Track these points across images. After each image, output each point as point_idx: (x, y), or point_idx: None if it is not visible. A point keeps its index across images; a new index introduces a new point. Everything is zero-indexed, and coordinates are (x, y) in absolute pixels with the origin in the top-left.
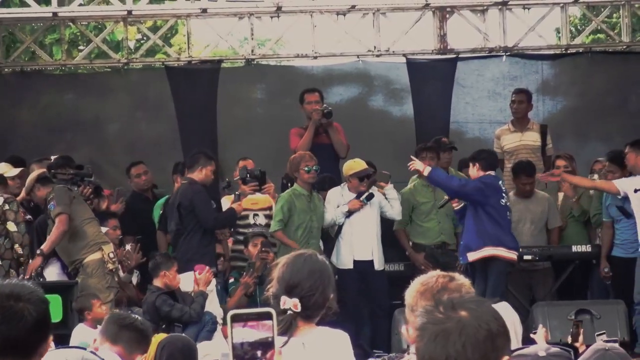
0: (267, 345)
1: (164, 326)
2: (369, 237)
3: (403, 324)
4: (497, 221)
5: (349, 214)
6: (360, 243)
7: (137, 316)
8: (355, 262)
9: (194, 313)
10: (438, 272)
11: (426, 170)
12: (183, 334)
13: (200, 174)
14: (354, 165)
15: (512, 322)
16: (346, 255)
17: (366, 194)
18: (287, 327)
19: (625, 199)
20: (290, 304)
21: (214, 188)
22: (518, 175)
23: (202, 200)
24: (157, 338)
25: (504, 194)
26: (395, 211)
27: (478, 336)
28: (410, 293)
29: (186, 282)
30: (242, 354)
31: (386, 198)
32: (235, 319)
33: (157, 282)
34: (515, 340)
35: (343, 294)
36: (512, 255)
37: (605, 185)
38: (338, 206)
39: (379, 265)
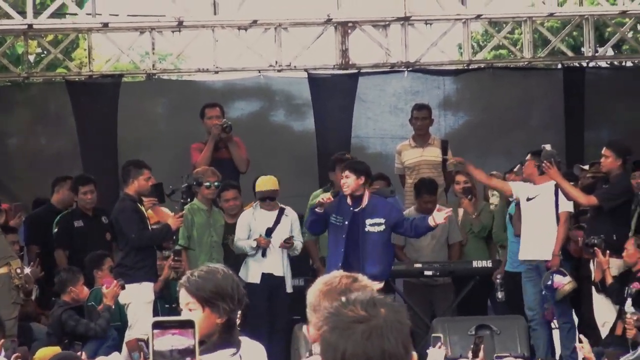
0: (188, 352)
1: (66, 341)
2: (278, 252)
3: (304, 326)
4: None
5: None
6: (270, 257)
7: None
8: (264, 275)
9: (99, 329)
10: (341, 272)
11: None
12: (70, 352)
13: (133, 186)
14: (260, 184)
15: None
16: (255, 269)
17: (266, 229)
18: (235, 339)
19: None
20: (238, 319)
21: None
22: (420, 193)
23: (124, 218)
24: (44, 352)
25: None
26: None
27: (404, 331)
28: (313, 292)
29: (124, 295)
30: None
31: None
32: (157, 326)
33: (65, 297)
34: None
35: (249, 309)
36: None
37: (499, 184)
38: (250, 230)
39: (289, 284)
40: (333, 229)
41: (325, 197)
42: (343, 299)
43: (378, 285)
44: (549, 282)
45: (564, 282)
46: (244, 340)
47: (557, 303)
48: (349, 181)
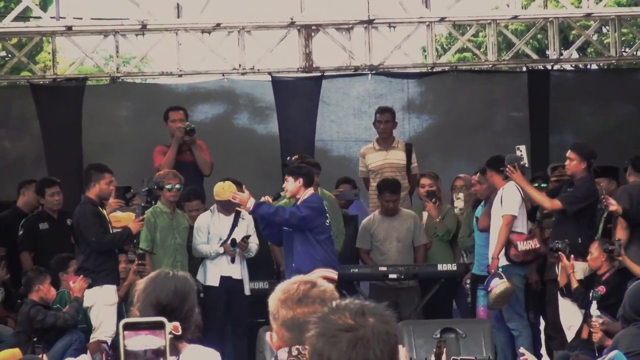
0: (159, 353)
1: (35, 338)
2: (236, 255)
3: (268, 333)
4: (325, 243)
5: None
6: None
7: None
8: (222, 277)
9: (68, 317)
10: (300, 277)
11: (250, 203)
12: (33, 356)
13: (95, 190)
14: (220, 192)
15: None
16: (213, 272)
17: (230, 240)
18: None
19: None
20: (170, 327)
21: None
22: (382, 192)
23: (85, 221)
24: (2, 354)
25: (327, 214)
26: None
27: (390, 341)
28: (272, 301)
29: (86, 298)
30: None
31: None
32: (128, 327)
33: (33, 297)
34: None
35: (209, 312)
36: (335, 275)
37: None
38: (209, 233)
39: (247, 287)
40: (286, 231)
41: (264, 199)
42: (333, 304)
43: (332, 274)
44: (486, 285)
45: (495, 285)
46: (192, 348)
47: (508, 307)
48: (288, 185)
